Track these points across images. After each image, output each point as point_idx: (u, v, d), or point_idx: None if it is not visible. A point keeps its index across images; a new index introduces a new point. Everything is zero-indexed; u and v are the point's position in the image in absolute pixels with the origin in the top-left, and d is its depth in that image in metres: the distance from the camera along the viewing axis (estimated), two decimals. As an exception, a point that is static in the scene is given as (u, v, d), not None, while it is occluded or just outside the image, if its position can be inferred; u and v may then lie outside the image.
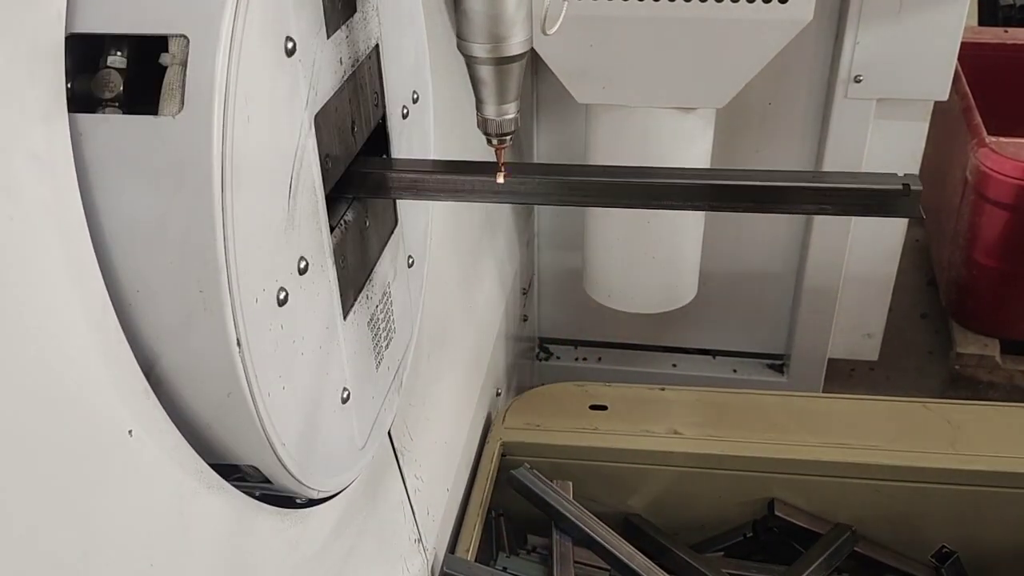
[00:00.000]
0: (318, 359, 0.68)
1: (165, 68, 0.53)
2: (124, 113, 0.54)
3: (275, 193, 0.59)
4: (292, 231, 0.62)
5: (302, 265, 0.64)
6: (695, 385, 1.39)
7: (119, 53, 0.54)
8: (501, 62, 0.70)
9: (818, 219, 1.62)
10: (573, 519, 1.15)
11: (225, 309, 0.55)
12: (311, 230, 0.65)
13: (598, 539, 1.15)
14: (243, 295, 0.56)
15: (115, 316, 0.54)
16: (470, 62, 0.71)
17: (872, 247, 1.68)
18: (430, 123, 0.89)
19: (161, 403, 0.57)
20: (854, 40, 1.46)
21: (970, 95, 2.16)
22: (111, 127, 0.52)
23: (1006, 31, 2.65)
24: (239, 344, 0.57)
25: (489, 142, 0.75)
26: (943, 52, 1.45)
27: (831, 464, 1.20)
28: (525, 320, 1.68)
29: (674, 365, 1.84)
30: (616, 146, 1.38)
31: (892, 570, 1.21)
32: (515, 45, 0.70)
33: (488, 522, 1.19)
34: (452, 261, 1.17)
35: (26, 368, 0.47)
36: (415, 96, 0.85)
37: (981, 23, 3.14)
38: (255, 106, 0.55)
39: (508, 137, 0.74)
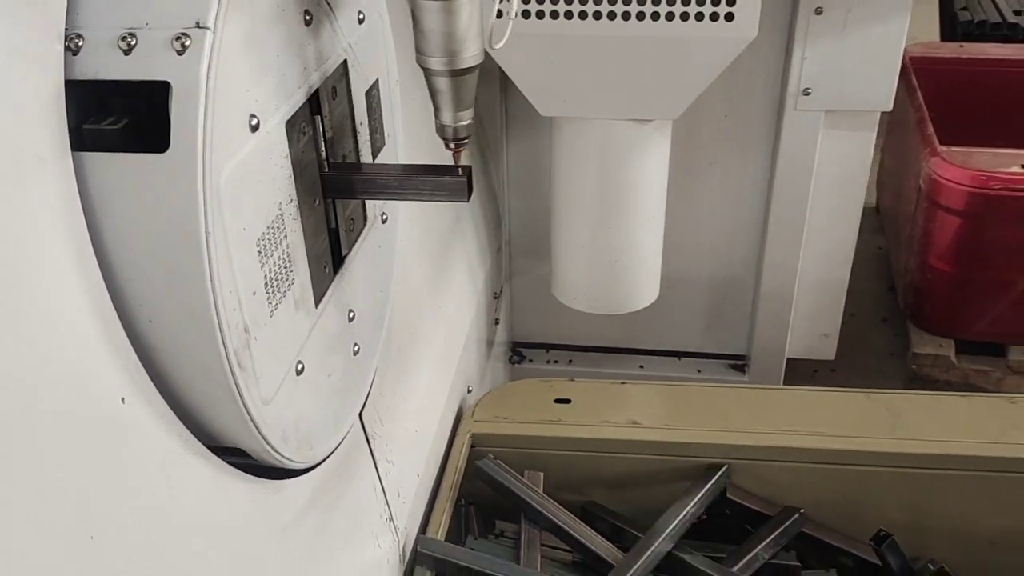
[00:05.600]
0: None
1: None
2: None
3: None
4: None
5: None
6: (660, 385, 1.47)
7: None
8: (455, 74, 0.79)
9: (772, 226, 1.71)
10: (536, 507, 1.23)
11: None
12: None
13: (560, 524, 1.23)
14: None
15: (111, 301, 0.62)
16: (428, 74, 0.79)
17: (826, 251, 1.77)
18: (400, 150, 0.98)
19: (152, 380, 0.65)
20: (802, 55, 1.55)
21: (924, 107, 2.26)
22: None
23: (962, 46, 2.77)
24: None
25: (447, 146, 0.83)
26: (886, 65, 1.55)
27: (780, 449, 1.29)
28: (497, 323, 1.75)
29: (641, 366, 1.92)
30: (578, 156, 1.46)
31: (837, 550, 1.29)
32: (467, 59, 0.78)
33: (458, 509, 1.26)
34: (422, 262, 1.24)
35: (32, 343, 0.55)
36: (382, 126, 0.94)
37: (943, 38, 3.26)
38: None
39: (464, 141, 0.82)
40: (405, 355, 1.17)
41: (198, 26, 0.61)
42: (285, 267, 0.75)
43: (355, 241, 0.91)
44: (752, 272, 1.81)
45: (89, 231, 0.61)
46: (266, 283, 0.72)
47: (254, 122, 0.68)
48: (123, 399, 0.63)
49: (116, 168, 0.61)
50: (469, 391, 1.47)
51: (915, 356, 2.12)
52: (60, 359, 0.57)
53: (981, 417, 1.31)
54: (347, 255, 0.89)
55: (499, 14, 0.94)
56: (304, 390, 0.81)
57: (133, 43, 0.61)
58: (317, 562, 0.90)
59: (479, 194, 1.66)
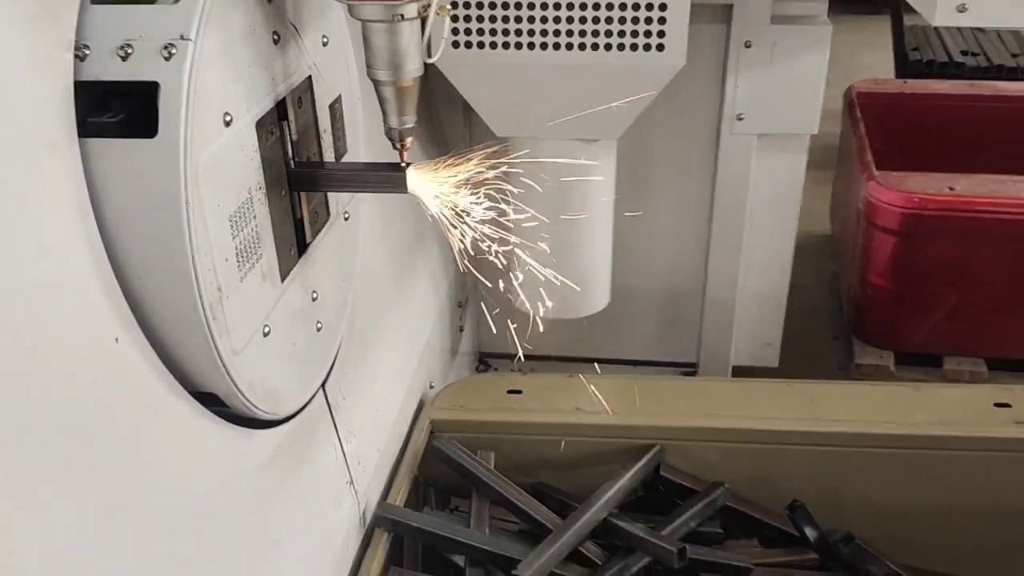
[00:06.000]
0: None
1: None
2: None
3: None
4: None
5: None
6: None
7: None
8: (399, 85, 0.94)
9: (714, 241, 1.87)
10: (486, 480, 1.37)
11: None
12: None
13: (508, 497, 1.36)
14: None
15: (107, 259, 0.77)
16: (376, 85, 0.95)
17: (765, 265, 1.93)
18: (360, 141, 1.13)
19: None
20: (735, 83, 1.72)
21: (865, 137, 2.44)
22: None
23: (905, 82, 2.96)
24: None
25: (393, 145, 0.98)
26: (810, 93, 1.72)
27: (708, 430, 1.43)
28: (462, 331, 1.90)
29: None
30: (533, 173, 1.61)
31: (759, 522, 1.42)
32: (409, 72, 0.94)
33: (417, 487, 1.40)
34: (384, 259, 1.40)
35: (44, 288, 0.69)
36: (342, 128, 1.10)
37: (898, 76, 3.46)
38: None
39: (408, 140, 0.97)
40: (368, 343, 1.31)
41: (182, 38, 0.77)
42: (254, 242, 0.90)
43: (319, 232, 1.06)
44: (699, 285, 1.96)
45: (91, 202, 0.76)
46: (237, 253, 0.87)
47: (228, 119, 0.83)
48: (116, 339, 0.77)
49: (114, 151, 0.77)
50: (431, 387, 1.61)
51: (857, 367, 2.26)
52: (66, 302, 0.72)
53: (888, 401, 1.46)
54: (311, 243, 1.04)
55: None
56: (270, 351, 0.95)
57: (130, 51, 0.76)
58: (282, 509, 1.04)
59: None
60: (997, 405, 1.44)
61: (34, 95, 0.70)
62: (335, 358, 1.15)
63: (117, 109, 0.78)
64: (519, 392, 1.51)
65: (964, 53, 3.45)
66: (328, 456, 1.15)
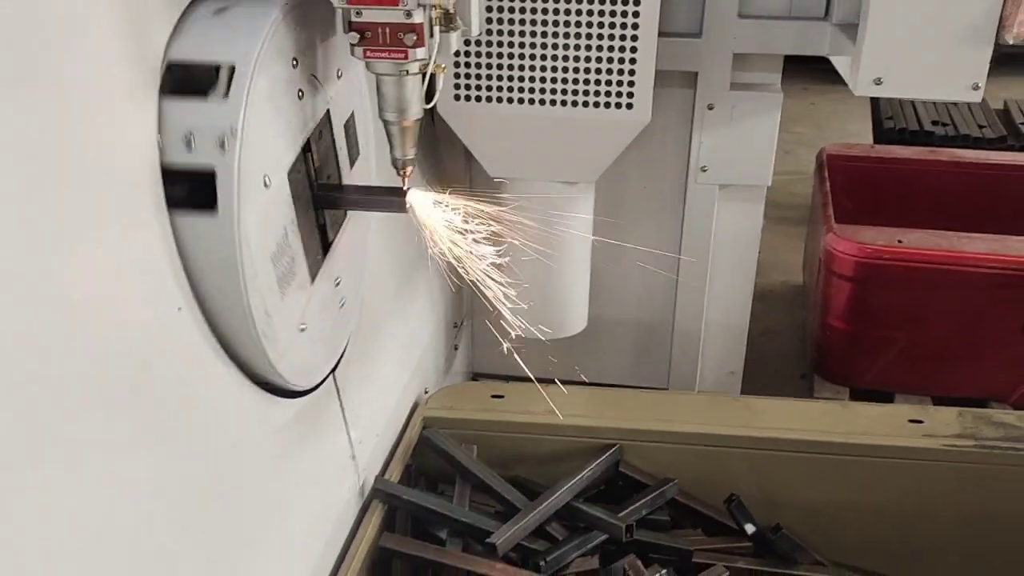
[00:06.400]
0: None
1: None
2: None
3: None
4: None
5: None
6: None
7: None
8: (403, 124, 1.19)
9: (681, 277, 2.11)
10: (467, 467, 1.59)
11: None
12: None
13: (487, 481, 1.59)
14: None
15: (175, 246, 1.01)
16: (385, 124, 1.20)
17: (728, 301, 2.16)
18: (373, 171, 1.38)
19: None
20: (699, 140, 1.98)
21: (829, 194, 2.69)
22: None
23: (872, 147, 3.23)
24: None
25: (397, 172, 1.23)
26: (765, 150, 1.97)
27: (661, 433, 1.65)
28: (456, 349, 2.14)
29: (578, 394, 2.29)
30: (522, 210, 1.87)
31: (700, 514, 1.64)
32: (412, 115, 1.19)
33: (409, 473, 1.63)
34: (388, 273, 1.64)
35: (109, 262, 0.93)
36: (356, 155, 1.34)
37: (875, 142, 3.74)
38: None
39: (409, 168, 1.22)
40: (371, 344, 1.55)
41: (232, 132, 1.00)
42: (290, 266, 1.13)
43: (338, 231, 1.29)
44: (668, 316, 2.20)
45: (179, 256, 0.99)
46: (278, 281, 1.10)
47: (267, 181, 1.07)
48: (179, 308, 1.01)
49: (189, 219, 1.00)
50: (426, 392, 1.85)
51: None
52: (156, 302, 0.96)
53: (818, 415, 1.69)
54: (332, 241, 1.27)
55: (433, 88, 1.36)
56: (306, 342, 1.19)
57: (192, 142, 1.00)
58: (295, 470, 1.27)
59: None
60: (911, 421, 1.66)
61: (135, 177, 0.93)
62: (349, 335, 1.38)
63: (187, 187, 1.01)
64: (502, 397, 1.75)
65: (934, 123, 3.72)
66: (335, 432, 1.39)
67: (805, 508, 1.65)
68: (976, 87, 1.60)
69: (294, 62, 1.12)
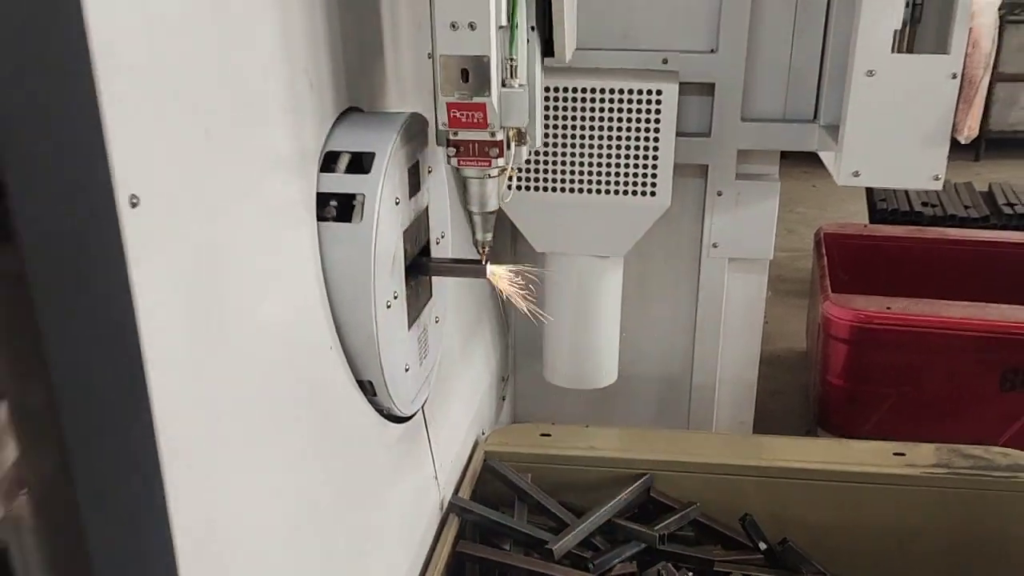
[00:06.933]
0: (401, 344, 1.50)
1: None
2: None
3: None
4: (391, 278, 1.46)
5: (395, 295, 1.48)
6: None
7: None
8: (484, 214, 1.56)
9: (698, 337, 2.46)
10: (526, 490, 1.92)
11: (370, 307, 1.38)
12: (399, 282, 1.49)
13: (541, 502, 1.91)
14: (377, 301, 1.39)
15: (327, 297, 1.36)
16: (468, 214, 1.57)
17: (738, 359, 2.50)
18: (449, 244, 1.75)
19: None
20: (711, 221, 2.35)
21: (826, 268, 3.05)
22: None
23: (865, 226, 3.60)
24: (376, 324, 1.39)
25: (477, 251, 1.59)
26: (766, 229, 2.34)
27: (686, 464, 1.98)
28: (504, 399, 2.48)
29: (609, 442, 2.61)
30: (562, 278, 2.23)
31: (719, 532, 1.96)
32: (490, 206, 1.56)
33: (475, 498, 1.95)
34: (455, 330, 1.99)
35: (288, 314, 1.29)
36: (442, 234, 1.71)
37: (871, 221, 4.11)
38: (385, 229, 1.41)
39: (487, 247, 1.59)
40: (443, 392, 1.89)
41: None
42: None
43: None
44: (687, 372, 2.54)
45: (321, 260, 1.36)
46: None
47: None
48: (330, 347, 1.36)
49: (332, 229, 1.36)
50: (483, 433, 2.18)
51: (819, 449, 2.80)
52: (307, 324, 1.32)
53: (819, 449, 2.01)
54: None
55: (508, 186, 1.74)
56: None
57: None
58: (394, 481, 1.60)
59: (491, 309, 2.43)
60: (895, 454, 1.99)
61: (297, 196, 1.30)
62: (434, 375, 1.72)
63: (334, 204, 1.38)
64: (549, 435, 2.08)
65: (924, 204, 4.10)
66: (423, 455, 1.72)
67: (808, 526, 1.96)
68: (937, 177, 1.96)
69: (408, 158, 1.50)
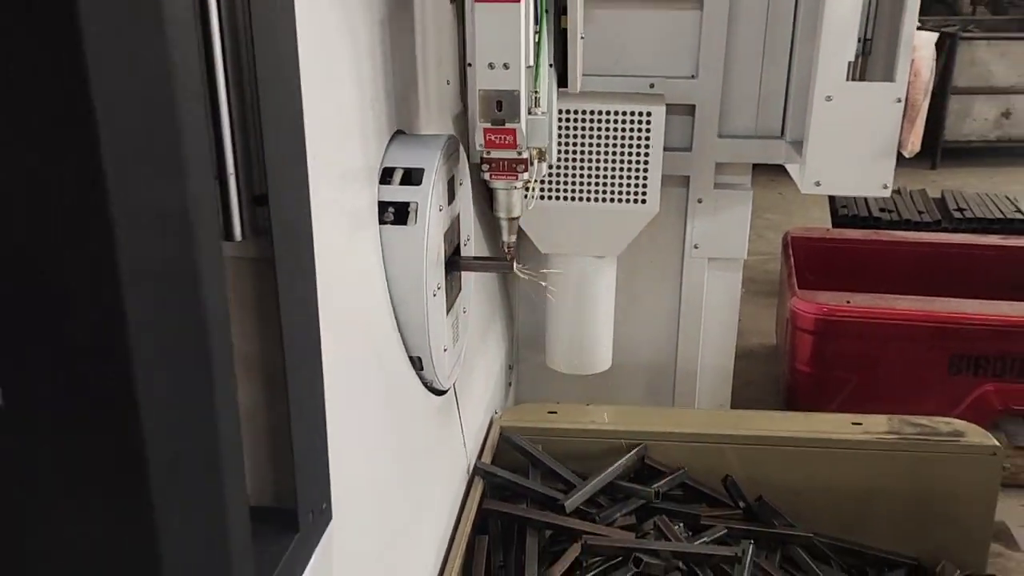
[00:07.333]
0: (442, 327, 1.80)
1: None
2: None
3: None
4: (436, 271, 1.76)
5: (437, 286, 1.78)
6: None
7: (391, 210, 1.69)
8: (510, 219, 1.86)
9: (681, 330, 2.77)
10: (539, 457, 2.22)
11: (425, 290, 1.68)
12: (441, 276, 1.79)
13: (553, 468, 2.21)
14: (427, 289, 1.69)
15: (390, 297, 1.66)
16: (497, 220, 1.87)
17: (717, 347, 2.82)
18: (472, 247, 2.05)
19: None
20: (693, 224, 2.67)
21: (793, 268, 3.39)
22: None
23: (828, 230, 3.95)
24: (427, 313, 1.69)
25: (504, 252, 1.89)
26: (740, 232, 2.66)
27: (675, 434, 2.29)
28: (510, 385, 2.78)
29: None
30: (562, 276, 2.54)
31: (704, 493, 2.27)
32: (515, 213, 1.86)
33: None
34: (474, 320, 2.29)
35: (365, 300, 1.59)
36: (468, 237, 2.01)
37: (833, 226, 4.46)
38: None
39: (512, 247, 1.89)
40: (466, 375, 2.19)
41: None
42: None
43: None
44: (671, 360, 2.85)
45: (382, 257, 1.65)
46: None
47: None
48: (392, 326, 1.66)
49: (391, 231, 1.66)
50: (496, 412, 2.48)
51: (789, 429, 3.12)
52: (374, 310, 1.61)
53: (788, 420, 2.33)
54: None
55: (526, 195, 2.05)
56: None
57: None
58: (433, 446, 1.89)
59: (500, 306, 2.73)
60: (853, 424, 2.31)
61: (361, 203, 1.60)
62: (462, 357, 2.02)
63: (392, 210, 1.68)
64: (555, 413, 2.39)
65: (881, 210, 4.46)
66: (454, 425, 2.02)
67: (779, 486, 2.27)
68: (885, 186, 2.29)
69: (447, 173, 1.80)
